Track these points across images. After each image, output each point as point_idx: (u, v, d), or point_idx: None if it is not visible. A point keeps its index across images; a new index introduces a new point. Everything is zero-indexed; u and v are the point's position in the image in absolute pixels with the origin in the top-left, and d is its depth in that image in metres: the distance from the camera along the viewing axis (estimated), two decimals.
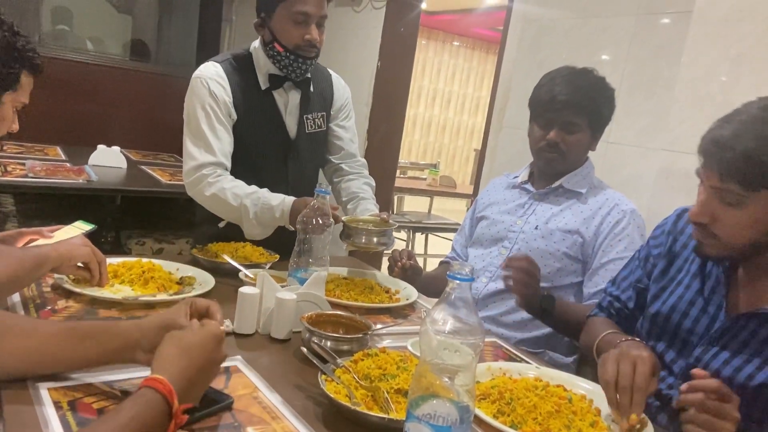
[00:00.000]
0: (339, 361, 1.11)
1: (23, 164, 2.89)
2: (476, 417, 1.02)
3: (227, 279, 1.59)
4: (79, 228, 1.60)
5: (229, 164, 1.76)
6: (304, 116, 1.88)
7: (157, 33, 4.87)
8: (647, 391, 1.04)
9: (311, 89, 1.89)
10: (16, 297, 1.28)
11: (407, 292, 1.70)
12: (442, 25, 9.61)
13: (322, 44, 1.76)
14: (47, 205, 3.53)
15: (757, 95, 1.20)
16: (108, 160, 3.30)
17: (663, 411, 1.17)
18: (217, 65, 1.78)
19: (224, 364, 1.12)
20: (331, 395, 1.00)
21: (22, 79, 1.37)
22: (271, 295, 1.32)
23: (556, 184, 1.79)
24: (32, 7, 4.11)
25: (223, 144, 1.75)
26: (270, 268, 1.71)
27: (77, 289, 1.34)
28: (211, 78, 1.74)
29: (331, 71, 2.00)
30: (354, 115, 2.07)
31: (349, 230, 1.66)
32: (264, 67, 1.80)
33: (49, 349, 0.96)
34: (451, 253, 2.02)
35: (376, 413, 0.99)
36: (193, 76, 1.77)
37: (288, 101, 1.86)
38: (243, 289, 1.31)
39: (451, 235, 4.37)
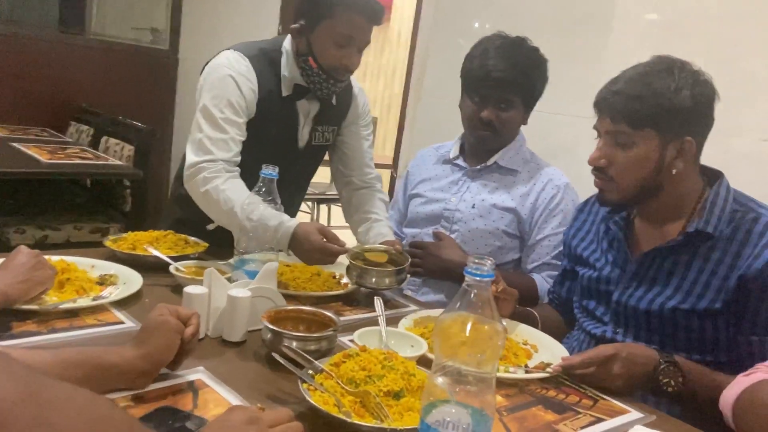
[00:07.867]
0: (318, 365, 1.00)
1: None
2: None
3: (155, 275, 1.41)
4: None
5: (238, 160, 1.60)
6: (316, 127, 1.75)
7: None
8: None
9: (333, 102, 1.75)
10: None
11: None
12: None
13: (357, 68, 1.63)
14: None
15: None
16: None
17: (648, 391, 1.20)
18: (247, 61, 1.61)
19: (188, 378, 0.99)
20: (320, 407, 0.90)
21: None
22: (220, 294, 1.17)
23: (491, 161, 1.74)
24: None
25: (236, 141, 1.59)
26: (199, 258, 1.55)
27: None
28: (242, 74, 1.59)
29: (354, 80, 1.82)
30: (372, 126, 1.91)
31: (356, 269, 1.48)
32: (291, 74, 1.64)
33: None
34: None
35: (369, 423, 0.90)
36: (217, 64, 1.60)
37: (309, 112, 1.72)
38: (189, 289, 1.16)
39: None
